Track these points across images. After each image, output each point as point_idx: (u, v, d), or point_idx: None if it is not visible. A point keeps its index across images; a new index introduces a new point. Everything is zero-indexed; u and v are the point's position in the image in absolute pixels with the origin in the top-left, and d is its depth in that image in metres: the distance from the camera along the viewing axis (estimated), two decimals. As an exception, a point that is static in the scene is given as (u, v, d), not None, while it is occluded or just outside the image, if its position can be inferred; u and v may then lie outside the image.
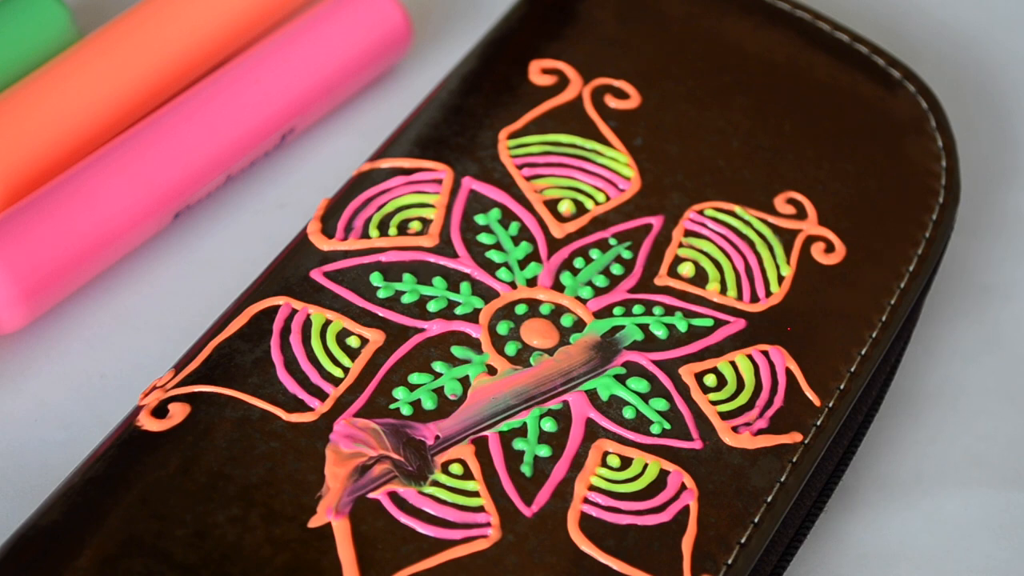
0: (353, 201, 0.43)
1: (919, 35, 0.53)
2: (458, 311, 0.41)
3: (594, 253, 0.42)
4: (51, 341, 0.44)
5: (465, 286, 0.41)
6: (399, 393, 0.39)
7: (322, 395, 0.39)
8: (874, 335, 0.42)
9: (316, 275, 0.41)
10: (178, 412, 0.38)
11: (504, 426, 0.39)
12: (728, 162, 0.45)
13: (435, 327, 0.40)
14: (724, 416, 0.40)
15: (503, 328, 0.41)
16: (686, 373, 0.41)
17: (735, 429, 0.40)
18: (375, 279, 0.41)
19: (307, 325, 0.40)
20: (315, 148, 0.48)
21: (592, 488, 0.38)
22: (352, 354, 0.40)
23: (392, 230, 0.42)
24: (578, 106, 0.46)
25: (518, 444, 0.39)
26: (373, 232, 0.42)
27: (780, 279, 0.43)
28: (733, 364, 0.41)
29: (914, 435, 0.45)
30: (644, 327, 0.41)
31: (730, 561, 0.38)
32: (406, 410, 0.39)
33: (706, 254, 0.43)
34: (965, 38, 0.54)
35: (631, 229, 0.43)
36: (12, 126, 0.44)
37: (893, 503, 0.43)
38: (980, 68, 0.53)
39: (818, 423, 0.40)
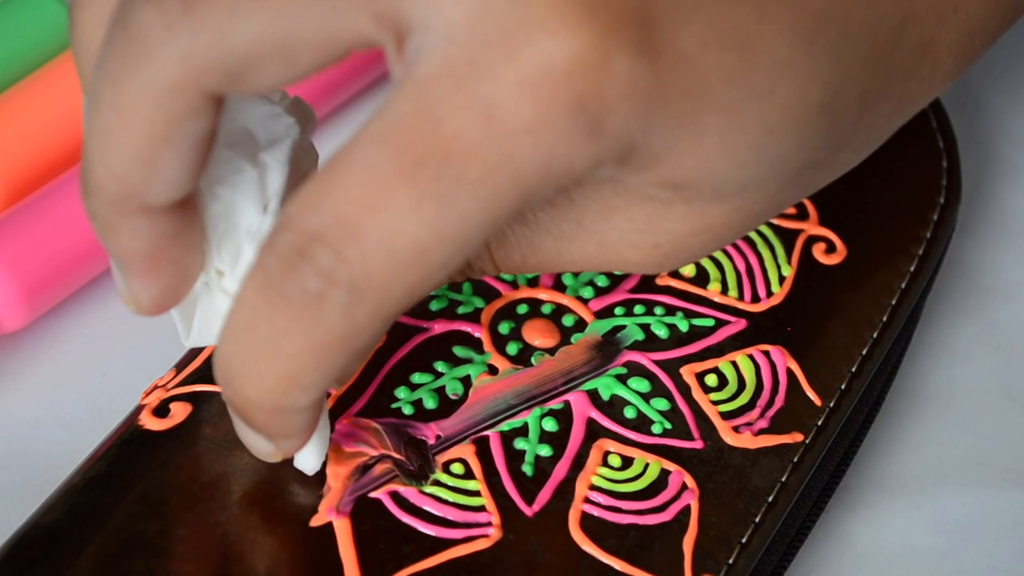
0: (354, 201, 0.43)
1: (919, 36, 0.53)
2: (460, 310, 0.41)
3: (595, 253, 0.42)
4: (51, 341, 0.44)
5: (467, 285, 0.41)
6: (400, 392, 0.39)
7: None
8: (875, 335, 0.42)
9: (317, 275, 0.41)
10: (179, 411, 0.38)
11: (505, 425, 0.39)
12: (729, 162, 0.45)
13: (436, 326, 0.40)
14: (725, 416, 0.40)
15: (504, 328, 0.41)
16: (687, 373, 0.41)
17: (736, 429, 0.40)
18: (376, 279, 0.41)
19: (308, 324, 0.40)
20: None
21: (593, 487, 0.38)
22: (353, 353, 0.40)
23: (393, 230, 0.42)
24: (579, 106, 0.45)
25: (519, 443, 0.39)
26: (374, 232, 0.42)
27: (781, 279, 0.43)
28: (734, 364, 0.41)
29: (914, 435, 0.45)
30: (645, 327, 0.41)
31: (731, 561, 0.38)
32: (407, 409, 0.39)
33: (707, 254, 0.43)
34: (964, 39, 0.54)
35: (632, 229, 0.43)
36: (12, 126, 0.44)
37: (893, 503, 0.43)
38: (980, 68, 0.53)
39: (819, 423, 0.40)
